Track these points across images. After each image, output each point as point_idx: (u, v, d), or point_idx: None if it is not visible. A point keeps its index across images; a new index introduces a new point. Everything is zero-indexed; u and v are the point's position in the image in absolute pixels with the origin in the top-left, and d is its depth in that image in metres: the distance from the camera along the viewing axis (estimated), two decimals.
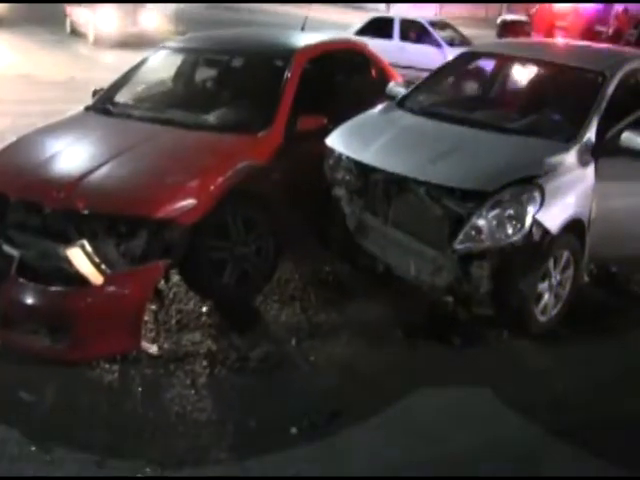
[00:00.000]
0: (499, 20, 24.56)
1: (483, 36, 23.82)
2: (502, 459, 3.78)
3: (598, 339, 5.03)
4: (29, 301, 4.14)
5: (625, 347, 4.99)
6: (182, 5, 24.05)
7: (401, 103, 5.95)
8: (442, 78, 6.35)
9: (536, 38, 16.79)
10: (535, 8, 23.91)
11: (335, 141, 5.39)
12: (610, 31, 21.41)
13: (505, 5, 34.66)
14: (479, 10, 36.16)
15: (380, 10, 33.72)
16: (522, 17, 23.89)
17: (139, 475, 3.51)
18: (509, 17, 25.01)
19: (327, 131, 5.48)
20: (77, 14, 20.34)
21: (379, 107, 5.96)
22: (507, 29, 22.50)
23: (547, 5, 22.68)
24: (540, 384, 4.47)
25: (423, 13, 34.59)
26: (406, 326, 4.94)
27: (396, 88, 6.25)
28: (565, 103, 5.78)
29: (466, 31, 27.43)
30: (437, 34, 16.31)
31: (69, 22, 21.14)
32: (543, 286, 4.80)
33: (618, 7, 22.75)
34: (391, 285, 5.26)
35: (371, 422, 4.00)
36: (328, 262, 5.77)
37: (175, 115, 5.62)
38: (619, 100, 5.34)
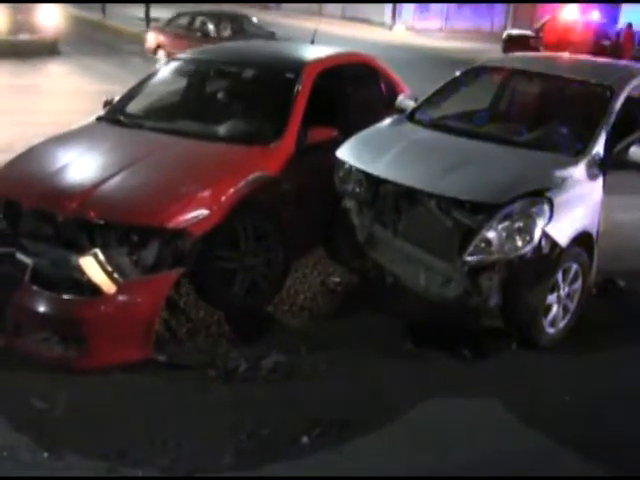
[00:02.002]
0: (505, 34, 24.66)
1: (489, 50, 24.01)
2: (506, 471, 3.77)
3: (606, 352, 5.03)
4: (42, 309, 4.18)
5: (633, 361, 5.00)
6: None
7: (411, 116, 6.00)
8: (451, 92, 6.37)
9: (546, 52, 16.73)
10: (541, 22, 23.92)
11: (345, 153, 5.43)
12: (609, 44, 21.45)
13: (511, 19, 34.77)
14: (485, 24, 36.29)
15: (386, 25, 33.93)
16: (528, 31, 23.93)
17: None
18: (515, 31, 25.07)
19: (337, 143, 5.52)
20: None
21: (389, 120, 6.00)
22: (513, 43, 22.56)
23: (556, 18, 22.66)
24: (548, 397, 4.48)
25: (428, 25, 34.85)
26: (415, 337, 4.97)
27: (405, 101, 6.30)
28: (573, 117, 5.82)
29: (471, 45, 27.54)
30: None
31: (164, 55, 16.44)
32: (552, 298, 4.82)
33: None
34: (400, 296, 5.28)
35: (380, 433, 4.01)
36: (337, 273, 5.81)
37: (187, 126, 5.66)
38: (626, 114, 5.38)
